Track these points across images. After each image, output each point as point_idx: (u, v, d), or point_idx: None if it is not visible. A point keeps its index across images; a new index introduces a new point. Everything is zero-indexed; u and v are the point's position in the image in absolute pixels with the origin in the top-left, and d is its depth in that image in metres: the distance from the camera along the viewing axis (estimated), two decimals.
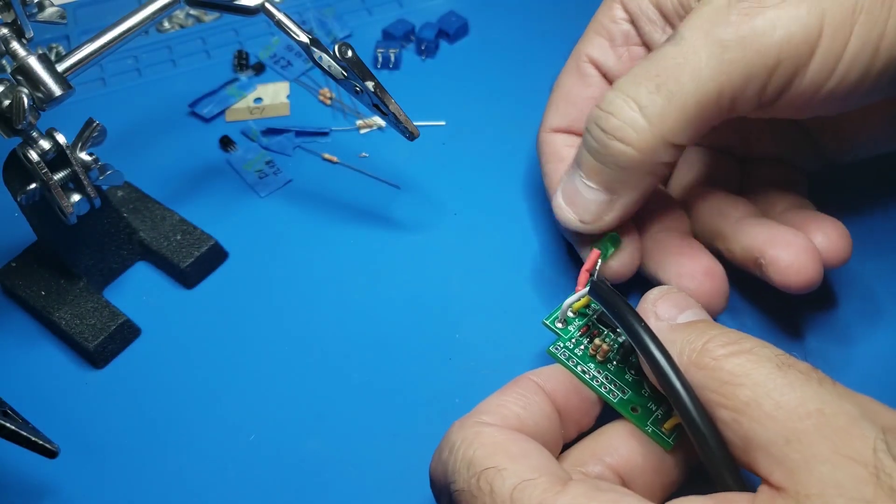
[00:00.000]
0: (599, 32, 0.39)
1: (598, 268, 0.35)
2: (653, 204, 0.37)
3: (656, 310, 0.30)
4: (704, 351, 0.27)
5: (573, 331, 0.34)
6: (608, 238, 0.36)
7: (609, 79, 0.39)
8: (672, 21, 0.36)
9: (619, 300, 0.30)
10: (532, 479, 0.26)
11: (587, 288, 0.32)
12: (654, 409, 0.31)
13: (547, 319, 0.34)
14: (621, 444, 0.30)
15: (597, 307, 0.34)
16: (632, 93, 0.32)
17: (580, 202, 0.35)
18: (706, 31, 0.31)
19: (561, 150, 0.39)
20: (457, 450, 0.28)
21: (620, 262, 0.36)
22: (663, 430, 0.30)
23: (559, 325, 0.34)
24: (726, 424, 0.26)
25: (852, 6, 0.30)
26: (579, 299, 0.34)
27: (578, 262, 0.37)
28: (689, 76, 0.31)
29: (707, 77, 0.31)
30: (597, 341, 0.33)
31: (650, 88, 0.32)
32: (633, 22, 0.38)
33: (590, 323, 0.34)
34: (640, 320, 0.29)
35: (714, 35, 0.31)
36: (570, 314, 0.34)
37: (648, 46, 0.38)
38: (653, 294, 0.31)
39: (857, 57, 0.31)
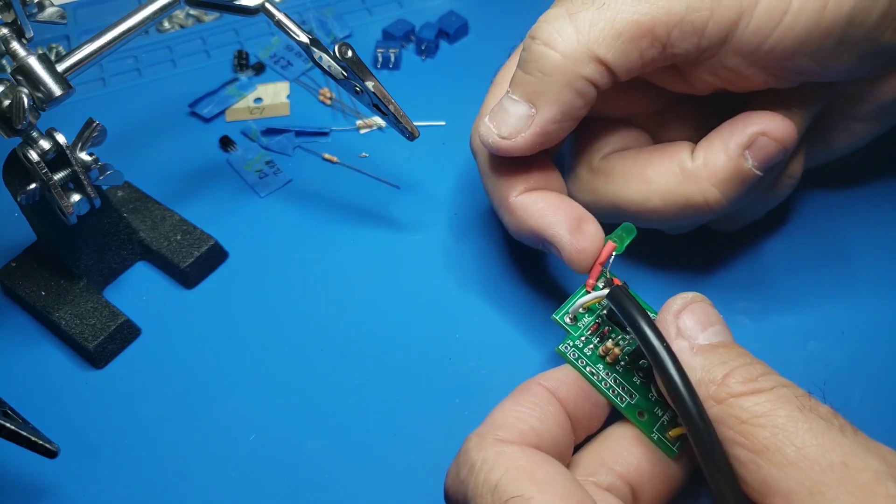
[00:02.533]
0: None
1: (611, 261, 0.34)
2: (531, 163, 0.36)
3: (679, 323, 0.29)
4: (724, 385, 0.27)
5: (583, 328, 0.33)
6: (622, 228, 0.35)
7: None
8: None
9: (637, 311, 0.29)
10: None
11: (605, 291, 0.31)
12: (660, 414, 0.31)
13: (557, 315, 0.34)
14: (629, 452, 0.30)
15: (606, 304, 0.33)
16: (568, 6, 0.32)
17: (501, 116, 0.34)
18: None
19: None
20: (478, 471, 0.27)
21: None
22: (668, 437, 0.30)
23: (568, 321, 0.34)
24: (743, 464, 0.26)
25: None
26: (593, 300, 0.33)
27: None
28: None
29: None
30: (608, 343, 0.32)
31: (585, 0, 0.32)
32: None
33: (599, 320, 0.33)
34: (663, 340, 0.28)
35: None
36: (581, 310, 0.34)
37: None
38: (676, 304, 0.30)
39: (805, 6, 0.30)
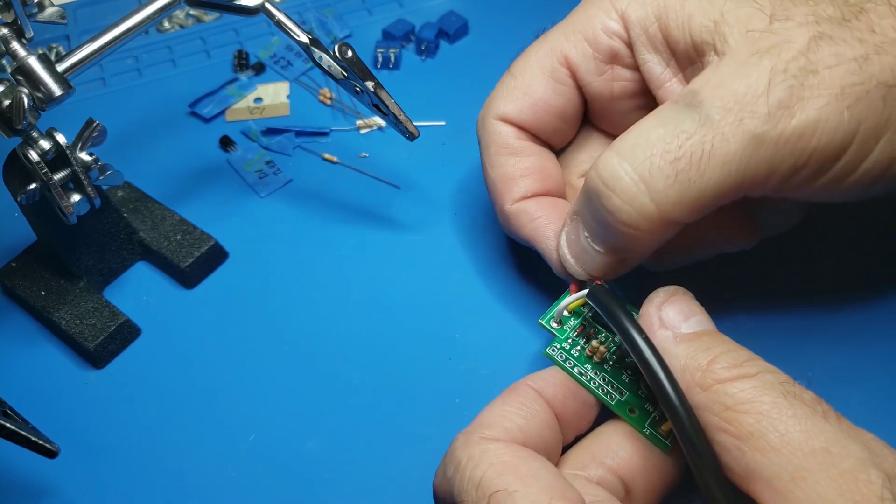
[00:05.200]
0: (587, 37, 0.35)
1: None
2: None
3: (661, 314, 0.29)
4: (708, 371, 0.27)
5: (569, 331, 0.34)
6: None
7: (583, 91, 0.36)
8: (680, 59, 0.33)
9: (618, 308, 0.29)
10: None
11: (585, 291, 0.32)
12: (650, 410, 0.31)
13: (542, 319, 0.34)
14: (620, 446, 0.30)
15: (591, 306, 0.34)
16: (643, 173, 0.29)
17: (589, 261, 0.33)
18: (739, 119, 0.28)
19: (509, 141, 0.37)
20: (463, 468, 0.27)
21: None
22: (660, 431, 0.30)
23: (555, 325, 0.34)
24: (727, 450, 0.26)
25: (886, 118, 0.29)
26: (575, 301, 0.33)
27: None
28: (714, 168, 0.29)
29: (733, 171, 0.29)
30: (594, 343, 0.33)
31: (668, 174, 0.29)
32: (629, 43, 0.35)
33: (585, 322, 0.34)
34: (642, 332, 0.28)
35: (749, 126, 0.28)
36: (566, 313, 0.34)
37: (643, 74, 0.35)
38: (658, 296, 0.30)
39: (877, 164, 0.30)
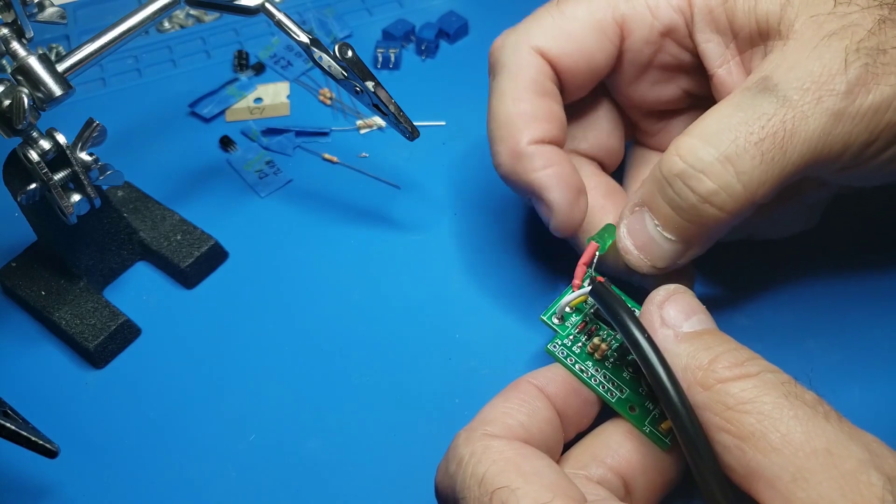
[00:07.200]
0: (648, 3, 0.34)
1: (594, 261, 0.35)
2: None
3: (662, 313, 0.29)
4: (710, 370, 0.27)
5: (570, 327, 0.34)
6: (605, 229, 0.35)
7: (626, 59, 0.36)
8: (741, 42, 0.33)
9: (619, 305, 0.29)
10: (547, 503, 0.25)
11: (588, 288, 0.32)
12: (651, 408, 0.31)
13: (544, 315, 0.34)
14: (620, 445, 0.30)
15: (593, 302, 0.34)
16: (731, 155, 0.30)
17: (655, 251, 0.33)
18: (818, 97, 0.29)
19: (542, 80, 0.35)
20: (465, 465, 0.27)
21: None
22: (660, 430, 0.30)
23: (556, 321, 0.34)
24: (727, 449, 0.26)
25: None
26: (577, 298, 0.33)
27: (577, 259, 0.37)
28: (796, 146, 0.30)
29: (812, 147, 0.30)
30: (596, 340, 0.33)
31: (754, 155, 0.30)
32: (688, 21, 0.34)
33: (587, 319, 0.34)
34: (643, 330, 0.28)
35: (828, 104, 0.29)
36: (568, 309, 0.34)
37: (700, 53, 0.34)
38: (659, 295, 0.30)
39: None
